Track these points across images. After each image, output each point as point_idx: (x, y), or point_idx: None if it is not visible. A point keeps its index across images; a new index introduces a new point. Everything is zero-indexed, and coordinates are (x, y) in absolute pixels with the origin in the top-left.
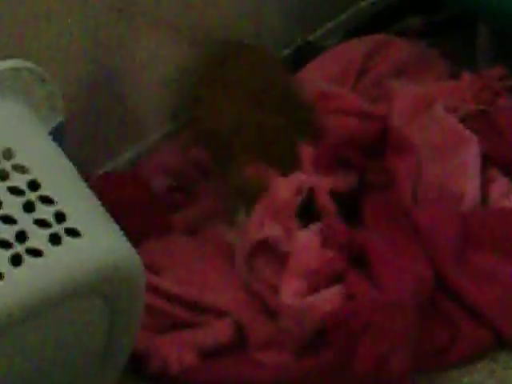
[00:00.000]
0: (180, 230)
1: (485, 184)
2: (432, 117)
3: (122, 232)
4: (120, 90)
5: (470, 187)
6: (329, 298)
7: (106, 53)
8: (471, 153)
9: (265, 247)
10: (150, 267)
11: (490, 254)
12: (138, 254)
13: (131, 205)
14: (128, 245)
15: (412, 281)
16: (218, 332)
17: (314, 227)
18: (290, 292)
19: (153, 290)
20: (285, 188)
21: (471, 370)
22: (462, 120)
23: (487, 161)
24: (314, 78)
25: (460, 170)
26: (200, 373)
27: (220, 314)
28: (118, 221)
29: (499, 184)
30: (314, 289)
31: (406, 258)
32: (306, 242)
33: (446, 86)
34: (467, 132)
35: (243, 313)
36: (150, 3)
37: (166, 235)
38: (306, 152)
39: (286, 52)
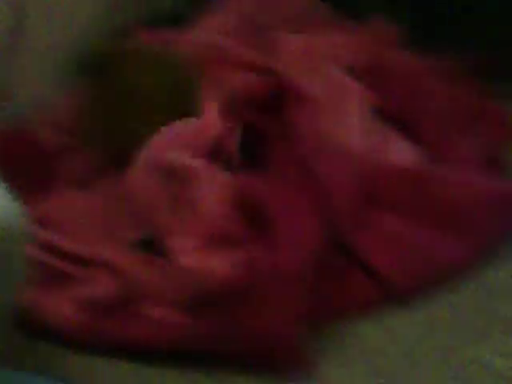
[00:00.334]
0: (70, 183)
1: (374, 137)
2: (321, 69)
3: (4, 186)
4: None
5: (360, 140)
6: (222, 262)
7: None
8: (359, 104)
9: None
10: (38, 221)
11: (386, 212)
12: (24, 208)
13: (18, 160)
14: (10, 198)
15: (310, 247)
16: (104, 286)
17: (224, 179)
18: (182, 248)
19: (39, 244)
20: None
21: (359, 321)
22: (352, 72)
23: (376, 114)
24: (208, 31)
25: (349, 122)
26: (86, 327)
27: (107, 268)
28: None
29: (388, 137)
30: (211, 250)
31: (306, 219)
32: (213, 196)
33: (336, 39)
34: (355, 83)
35: (132, 267)
36: None
37: (54, 189)
38: (209, 106)
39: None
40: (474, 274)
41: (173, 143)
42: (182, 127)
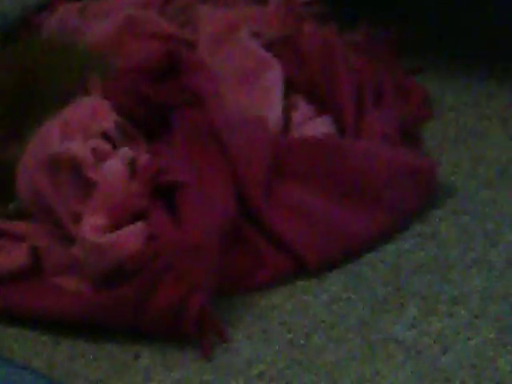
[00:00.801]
0: None
1: (287, 110)
2: (236, 41)
3: None
4: None
5: (273, 112)
6: (130, 237)
7: None
8: (274, 77)
9: (67, 166)
10: None
11: (295, 184)
12: None
13: None
14: None
15: (216, 219)
16: (13, 256)
17: (124, 153)
18: (90, 226)
19: None
20: (83, 109)
21: (270, 294)
22: (267, 45)
23: (290, 87)
24: (120, 3)
25: (263, 95)
26: None
27: (16, 238)
28: None
29: (302, 111)
30: (116, 225)
31: (213, 190)
32: (113, 173)
33: (251, 11)
34: (269, 56)
35: (40, 237)
36: None
37: None
38: (94, 83)
39: None
40: (380, 247)
41: (60, 132)
42: (68, 113)
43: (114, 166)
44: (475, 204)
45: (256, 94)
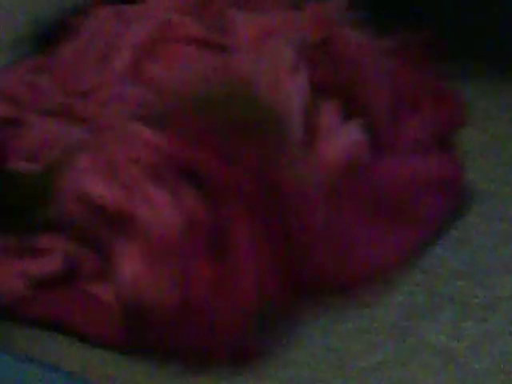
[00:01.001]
0: (19, 158)
1: (314, 116)
2: (270, 48)
3: None
4: None
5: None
6: (167, 290)
7: None
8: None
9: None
10: None
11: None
12: None
13: None
14: None
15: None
16: (48, 263)
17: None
18: (131, 270)
19: None
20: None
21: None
22: (302, 50)
23: (324, 92)
24: (157, 7)
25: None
26: (30, 303)
27: (52, 244)
28: None
29: (329, 117)
30: (156, 269)
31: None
32: (166, 221)
33: (287, 16)
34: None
35: (75, 244)
36: None
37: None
38: None
39: None
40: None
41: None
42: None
43: (170, 216)
44: (509, 210)
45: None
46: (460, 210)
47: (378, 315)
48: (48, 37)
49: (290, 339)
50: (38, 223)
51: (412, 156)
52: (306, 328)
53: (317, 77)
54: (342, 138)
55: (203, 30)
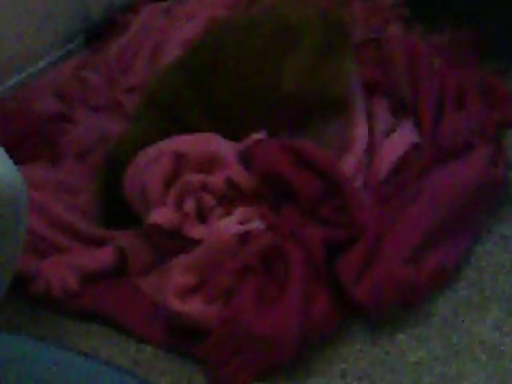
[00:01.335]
0: (68, 154)
1: (370, 121)
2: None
3: (4, 154)
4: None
5: (360, 131)
6: (209, 312)
7: None
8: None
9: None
10: (35, 189)
11: None
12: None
13: (15, 131)
14: (10, 165)
15: (302, 318)
16: (100, 257)
17: (239, 217)
18: (177, 285)
19: (37, 213)
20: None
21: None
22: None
23: (374, 88)
24: (205, 4)
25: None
26: (82, 296)
27: (103, 239)
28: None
29: (383, 121)
30: (202, 286)
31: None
32: (222, 235)
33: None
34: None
35: (126, 240)
36: None
37: (53, 160)
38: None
39: None
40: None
41: (170, 164)
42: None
43: (226, 229)
44: None
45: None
46: (507, 207)
47: (427, 310)
48: (97, 33)
49: (338, 335)
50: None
51: (460, 159)
52: (353, 324)
53: (367, 74)
54: (399, 143)
55: None
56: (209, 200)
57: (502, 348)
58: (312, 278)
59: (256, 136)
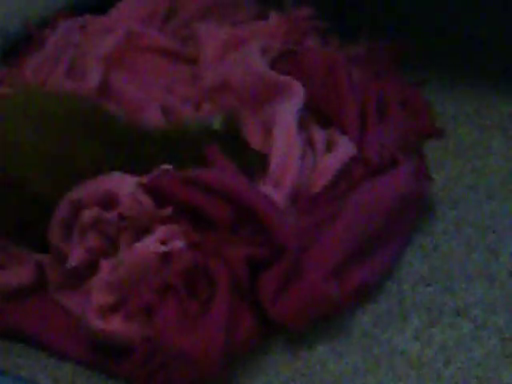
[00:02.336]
0: None
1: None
2: (242, 59)
3: None
4: None
5: (295, 152)
6: (131, 329)
7: None
8: (290, 107)
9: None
10: None
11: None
12: None
13: None
14: None
15: (224, 337)
16: (19, 274)
17: (159, 235)
18: (97, 305)
19: None
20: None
21: None
22: (272, 62)
23: None
24: (122, 18)
25: (281, 133)
26: (2, 314)
27: (23, 255)
28: None
29: (319, 136)
30: (121, 305)
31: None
32: (141, 255)
33: (255, 27)
34: (283, 79)
35: (45, 256)
36: None
37: None
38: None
39: None
40: None
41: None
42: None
43: (145, 247)
44: (477, 216)
45: (275, 131)
46: (428, 216)
47: (347, 322)
48: (14, 49)
49: (258, 347)
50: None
51: (385, 173)
52: (273, 335)
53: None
54: (340, 158)
55: (169, 40)
56: (110, 230)
57: (422, 359)
58: (236, 295)
59: (162, 167)
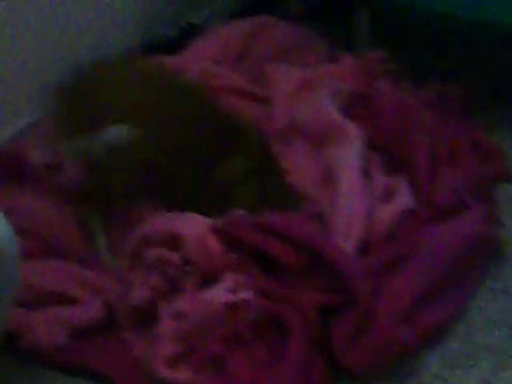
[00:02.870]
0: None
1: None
2: (314, 103)
3: None
4: None
5: (362, 205)
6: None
7: None
8: (356, 149)
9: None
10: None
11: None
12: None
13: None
14: (2, 221)
15: None
16: (88, 311)
17: (228, 285)
18: (165, 356)
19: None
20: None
21: None
22: (344, 105)
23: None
24: (197, 58)
25: (343, 166)
26: (70, 350)
27: (94, 290)
28: None
29: (381, 183)
30: (189, 354)
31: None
32: (209, 305)
33: (327, 69)
34: (351, 125)
35: (113, 294)
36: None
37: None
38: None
39: (170, 33)
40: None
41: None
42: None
43: (214, 298)
44: None
45: (340, 178)
46: (497, 261)
47: (418, 365)
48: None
49: None
50: None
51: (455, 217)
52: (342, 377)
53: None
54: (396, 209)
55: (241, 80)
56: (173, 272)
57: None
58: (308, 342)
59: (234, 213)
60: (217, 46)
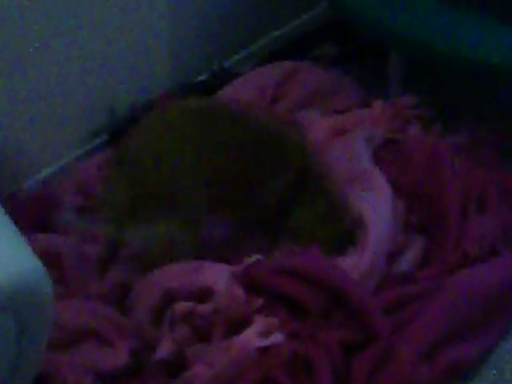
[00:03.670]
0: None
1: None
2: (347, 148)
3: (30, 248)
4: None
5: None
6: None
7: None
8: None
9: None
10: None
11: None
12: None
13: (38, 223)
14: (36, 260)
15: None
16: (114, 356)
17: (260, 328)
18: None
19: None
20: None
21: None
22: (376, 150)
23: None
24: (231, 101)
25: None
26: None
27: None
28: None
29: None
30: None
31: None
32: (242, 349)
33: (359, 115)
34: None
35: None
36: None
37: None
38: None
39: (202, 77)
40: None
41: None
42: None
43: (247, 342)
44: None
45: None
46: None
47: None
48: (121, 131)
49: None
50: None
51: (484, 264)
52: None
53: (386, 175)
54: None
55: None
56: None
57: None
58: (334, 380)
59: (252, 258)
60: (251, 90)
